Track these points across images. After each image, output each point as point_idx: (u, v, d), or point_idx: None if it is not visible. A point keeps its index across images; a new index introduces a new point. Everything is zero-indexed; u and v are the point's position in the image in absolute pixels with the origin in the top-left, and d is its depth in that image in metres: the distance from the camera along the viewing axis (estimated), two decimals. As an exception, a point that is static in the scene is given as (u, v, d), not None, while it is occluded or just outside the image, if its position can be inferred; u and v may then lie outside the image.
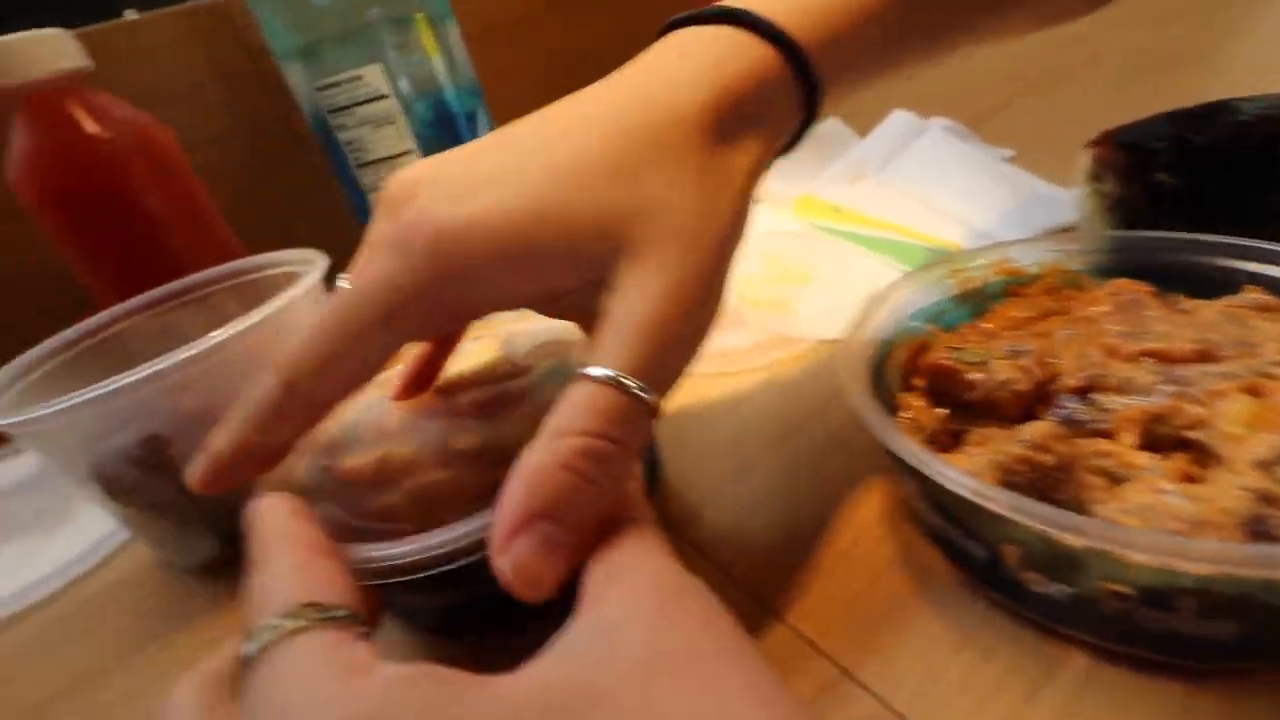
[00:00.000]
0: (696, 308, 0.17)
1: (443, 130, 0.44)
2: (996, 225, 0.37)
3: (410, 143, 0.43)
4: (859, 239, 0.40)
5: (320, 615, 0.15)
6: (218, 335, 0.28)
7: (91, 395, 0.26)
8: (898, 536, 0.23)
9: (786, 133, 0.21)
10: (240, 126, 0.56)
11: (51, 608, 0.32)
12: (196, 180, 0.45)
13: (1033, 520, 0.15)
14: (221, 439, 0.19)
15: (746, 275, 0.38)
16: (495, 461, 0.20)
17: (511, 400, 0.23)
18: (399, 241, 0.17)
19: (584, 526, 0.15)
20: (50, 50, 0.39)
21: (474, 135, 0.46)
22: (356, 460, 0.22)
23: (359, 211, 0.47)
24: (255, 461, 0.19)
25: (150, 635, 0.29)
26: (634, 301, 0.16)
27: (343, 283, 0.19)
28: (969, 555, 0.19)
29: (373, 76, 0.41)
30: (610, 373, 0.16)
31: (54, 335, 0.35)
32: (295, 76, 0.43)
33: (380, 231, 0.18)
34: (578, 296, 0.18)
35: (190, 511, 0.30)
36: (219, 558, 0.32)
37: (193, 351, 0.27)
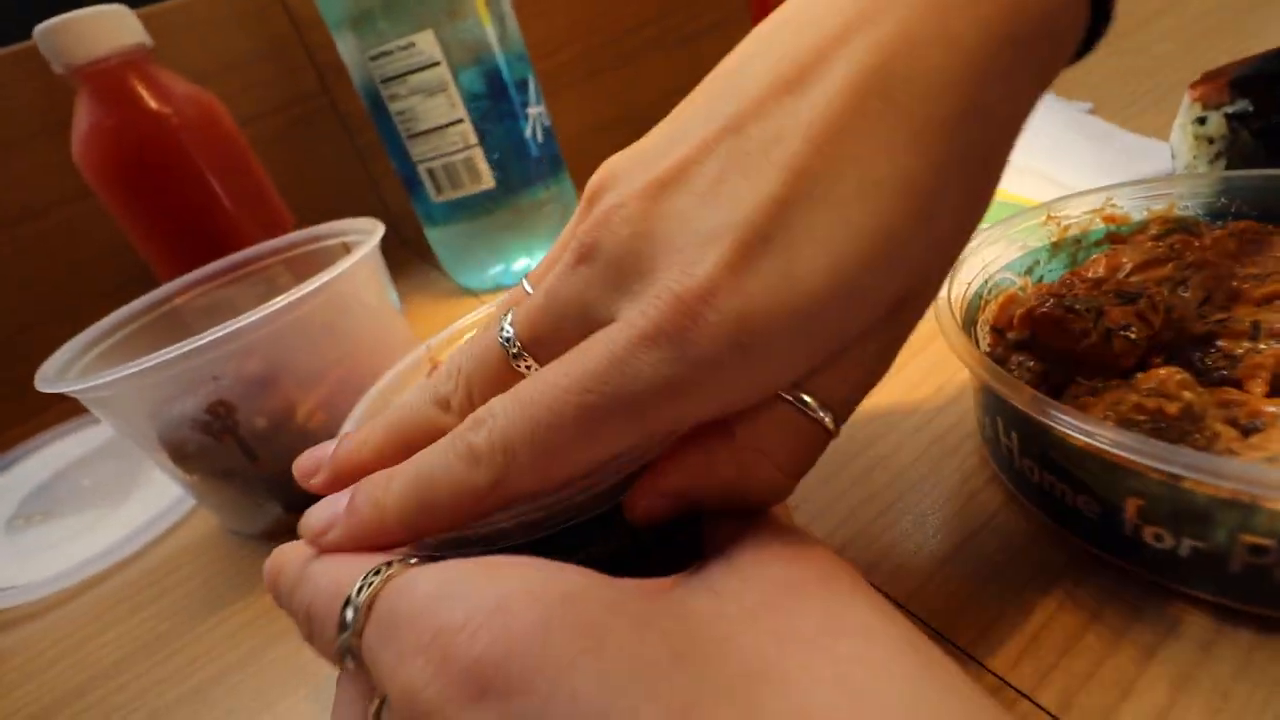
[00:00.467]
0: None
1: (494, 98, 0.43)
2: (1088, 180, 0.35)
3: (462, 111, 0.42)
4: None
5: (405, 557, 0.15)
6: (281, 300, 0.28)
7: (157, 360, 0.26)
8: (986, 499, 0.22)
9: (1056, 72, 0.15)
10: (286, 102, 0.57)
11: (122, 574, 0.33)
12: (251, 155, 0.46)
13: (1174, 467, 0.14)
14: (372, 502, 0.16)
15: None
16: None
17: None
18: (666, 317, 0.13)
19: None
20: (113, 27, 0.39)
21: (525, 104, 0.45)
22: None
23: (409, 184, 0.47)
24: (395, 538, 0.16)
25: (218, 601, 0.29)
26: (873, 348, 0.15)
27: (528, 286, 0.17)
28: (1078, 512, 0.18)
29: (425, 43, 0.40)
30: (826, 417, 0.15)
31: (116, 310, 0.36)
32: (347, 46, 0.42)
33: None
34: None
35: (255, 479, 0.30)
36: (283, 524, 0.32)
37: (255, 316, 0.27)
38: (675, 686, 0.11)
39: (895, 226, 0.13)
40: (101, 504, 0.38)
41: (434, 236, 0.49)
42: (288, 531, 0.31)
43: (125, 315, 0.36)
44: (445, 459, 0.15)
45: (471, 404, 0.17)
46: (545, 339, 0.16)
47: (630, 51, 0.68)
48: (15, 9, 0.46)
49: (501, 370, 0.17)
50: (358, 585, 0.14)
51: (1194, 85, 0.29)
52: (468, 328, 0.27)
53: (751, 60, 0.15)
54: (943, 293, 0.21)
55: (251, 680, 0.25)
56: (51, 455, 0.43)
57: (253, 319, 0.27)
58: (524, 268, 0.49)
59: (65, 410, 0.46)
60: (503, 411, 0.15)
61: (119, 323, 0.36)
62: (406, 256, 0.59)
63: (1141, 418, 0.17)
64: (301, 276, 0.42)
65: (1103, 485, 0.17)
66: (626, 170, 0.15)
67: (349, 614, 0.14)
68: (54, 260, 0.49)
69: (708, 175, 0.14)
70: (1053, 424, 0.16)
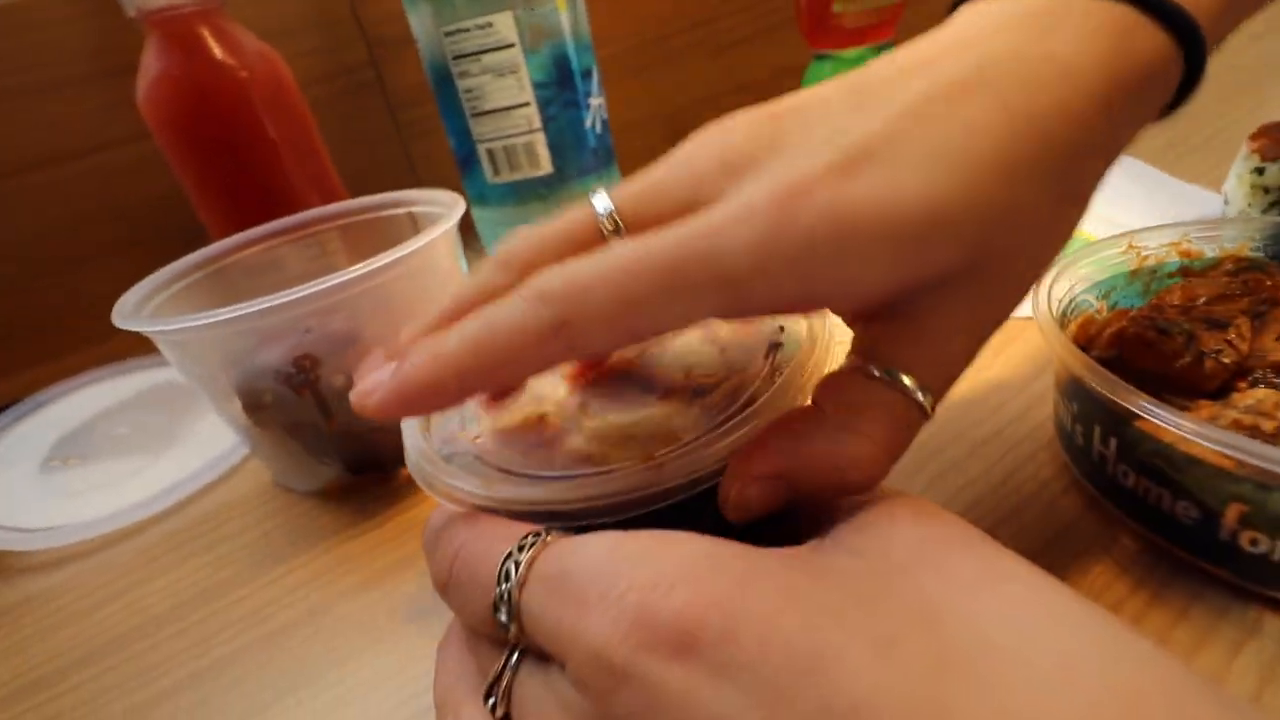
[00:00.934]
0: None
1: (561, 85, 0.44)
2: (1139, 221, 0.36)
3: (529, 95, 0.43)
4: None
5: (549, 531, 0.15)
6: (378, 260, 0.28)
7: (259, 307, 0.26)
8: (1062, 506, 0.23)
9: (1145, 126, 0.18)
10: (332, 72, 0.57)
11: (169, 521, 0.33)
12: (310, 119, 0.46)
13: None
14: (430, 353, 0.15)
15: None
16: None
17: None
18: (773, 197, 0.14)
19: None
20: (188, -25, 0.39)
21: (588, 94, 0.46)
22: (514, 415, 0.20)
23: (465, 162, 0.47)
24: (447, 394, 0.15)
25: (278, 555, 0.29)
26: (961, 320, 0.15)
27: (600, 199, 0.16)
28: (1172, 517, 0.19)
29: (503, 24, 0.41)
30: (922, 398, 0.15)
31: (173, 260, 0.36)
32: (421, 20, 0.43)
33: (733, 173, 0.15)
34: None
35: (324, 435, 0.30)
36: (339, 483, 0.32)
37: (355, 273, 0.27)
38: (870, 624, 0.12)
39: (983, 184, 0.14)
40: (142, 452, 0.37)
41: (482, 217, 0.50)
42: (342, 490, 0.32)
43: (187, 265, 0.36)
44: (511, 301, 0.14)
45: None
46: (646, 215, 0.15)
47: (676, 52, 0.69)
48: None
49: (589, 243, 0.15)
50: (518, 543, 0.14)
51: (1254, 137, 0.31)
52: None
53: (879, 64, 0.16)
54: (1041, 302, 0.22)
55: (320, 636, 0.25)
56: (87, 399, 0.42)
57: (351, 275, 0.27)
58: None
59: (91, 355, 0.45)
60: (582, 263, 0.14)
61: (181, 272, 0.36)
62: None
63: (1240, 433, 0.18)
64: (354, 244, 0.42)
65: (1205, 490, 0.18)
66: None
67: (510, 566, 0.14)
68: (100, 202, 0.48)
69: (830, 105, 0.15)
70: (1166, 426, 0.17)
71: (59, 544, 0.32)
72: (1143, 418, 0.19)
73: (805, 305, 0.15)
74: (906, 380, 0.15)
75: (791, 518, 0.16)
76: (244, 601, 0.27)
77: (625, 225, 0.15)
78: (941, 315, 0.15)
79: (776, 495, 0.15)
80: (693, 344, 0.21)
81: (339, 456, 0.31)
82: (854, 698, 0.11)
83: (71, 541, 0.32)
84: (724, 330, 0.21)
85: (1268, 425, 0.18)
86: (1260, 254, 0.25)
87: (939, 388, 0.16)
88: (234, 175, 0.42)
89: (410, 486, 0.32)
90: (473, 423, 0.20)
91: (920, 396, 0.15)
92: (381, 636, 0.24)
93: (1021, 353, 0.30)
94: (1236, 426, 0.18)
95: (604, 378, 0.21)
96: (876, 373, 0.15)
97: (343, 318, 0.29)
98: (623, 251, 0.14)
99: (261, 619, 0.26)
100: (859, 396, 0.15)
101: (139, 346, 0.37)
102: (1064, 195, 0.16)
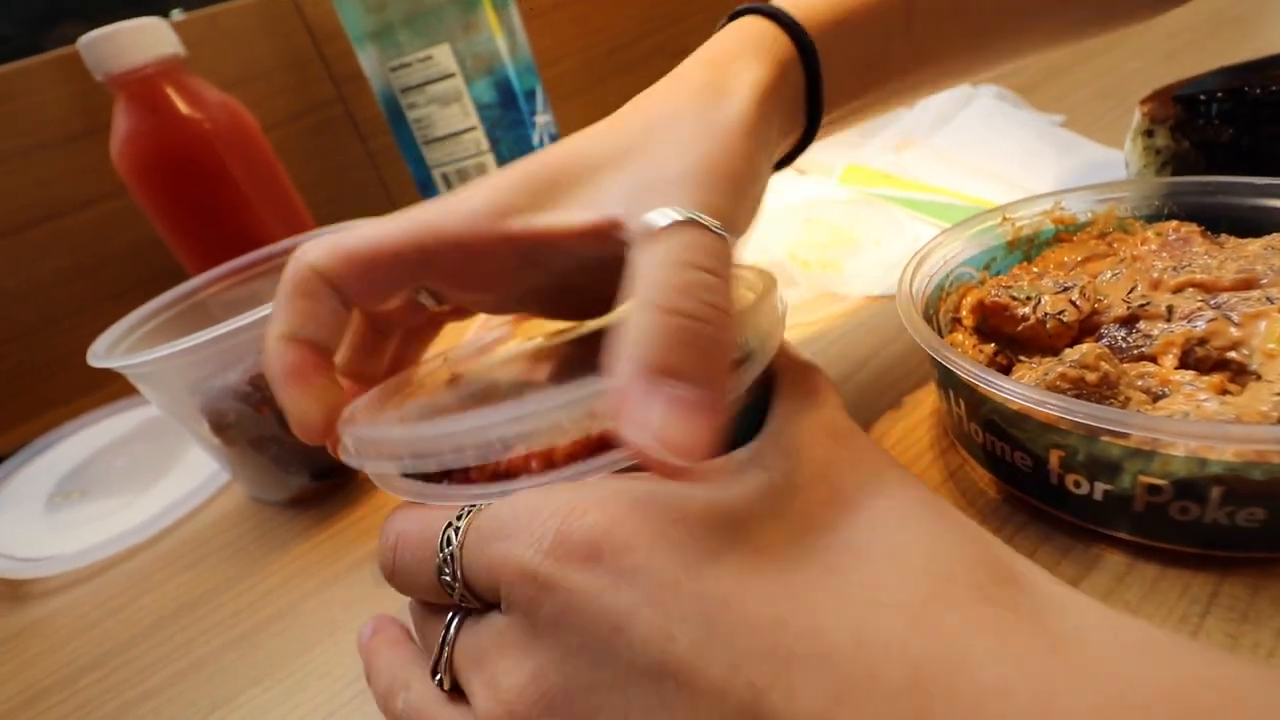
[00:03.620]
0: (739, 159, 0.18)
1: (505, 107, 0.46)
2: (1049, 187, 0.38)
3: (474, 119, 0.45)
4: (908, 203, 0.41)
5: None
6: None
7: (211, 336, 0.29)
8: (946, 462, 0.25)
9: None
10: (304, 110, 0.60)
11: (158, 545, 0.36)
12: (275, 158, 0.49)
13: (1082, 418, 0.17)
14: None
15: (796, 239, 0.40)
16: None
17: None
18: None
19: (713, 379, 0.15)
20: (151, 38, 0.42)
21: (533, 112, 0.48)
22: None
23: (424, 187, 0.50)
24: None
25: (251, 565, 0.32)
26: (676, 158, 0.18)
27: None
28: (1014, 467, 0.21)
29: (442, 56, 0.43)
30: (681, 214, 0.16)
31: (150, 300, 0.39)
32: (369, 59, 0.46)
33: None
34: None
35: (286, 446, 0.33)
36: (307, 491, 0.35)
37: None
38: (750, 537, 0.14)
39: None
40: (135, 484, 0.40)
41: (445, 236, 0.52)
42: (310, 498, 0.35)
43: (161, 304, 0.39)
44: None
45: None
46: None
47: (632, 60, 0.72)
48: (40, 14, 0.49)
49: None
50: (457, 514, 0.17)
51: (1144, 101, 0.32)
52: (491, 344, 0.29)
53: None
54: (905, 286, 0.24)
55: (289, 629, 0.28)
56: (88, 438, 0.45)
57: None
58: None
59: (96, 398, 0.49)
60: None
61: (155, 310, 0.39)
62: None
63: (1065, 385, 0.20)
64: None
65: (1033, 440, 0.19)
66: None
67: (450, 533, 0.16)
68: (86, 254, 0.52)
69: None
70: (989, 388, 0.19)
71: (60, 570, 0.35)
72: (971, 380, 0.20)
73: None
74: (704, 219, 0.16)
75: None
76: (223, 608, 0.30)
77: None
78: (670, 164, 0.18)
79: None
80: None
81: (302, 465, 0.34)
82: (724, 590, 0.13)
83: (72, 568, 0.35)
84: None
85: (1091, 376, 0.20)
86: (1130, 215, 0.27)
87: (726, 218, 0.17)
88: (204, 218, 0.45)
89: (369, 485, 0.35)
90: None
91: (705, 220, 0.16)
92: (342, 627, 0.27)
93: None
94: (1062, 379, 0.20)
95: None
96: (664, 220, 0.16)
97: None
98: None
99: (238, 621, 0.29)
100: (651, 257, 0.16)
101: (132, 388, 0.40)
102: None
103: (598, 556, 0.14)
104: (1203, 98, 0.30)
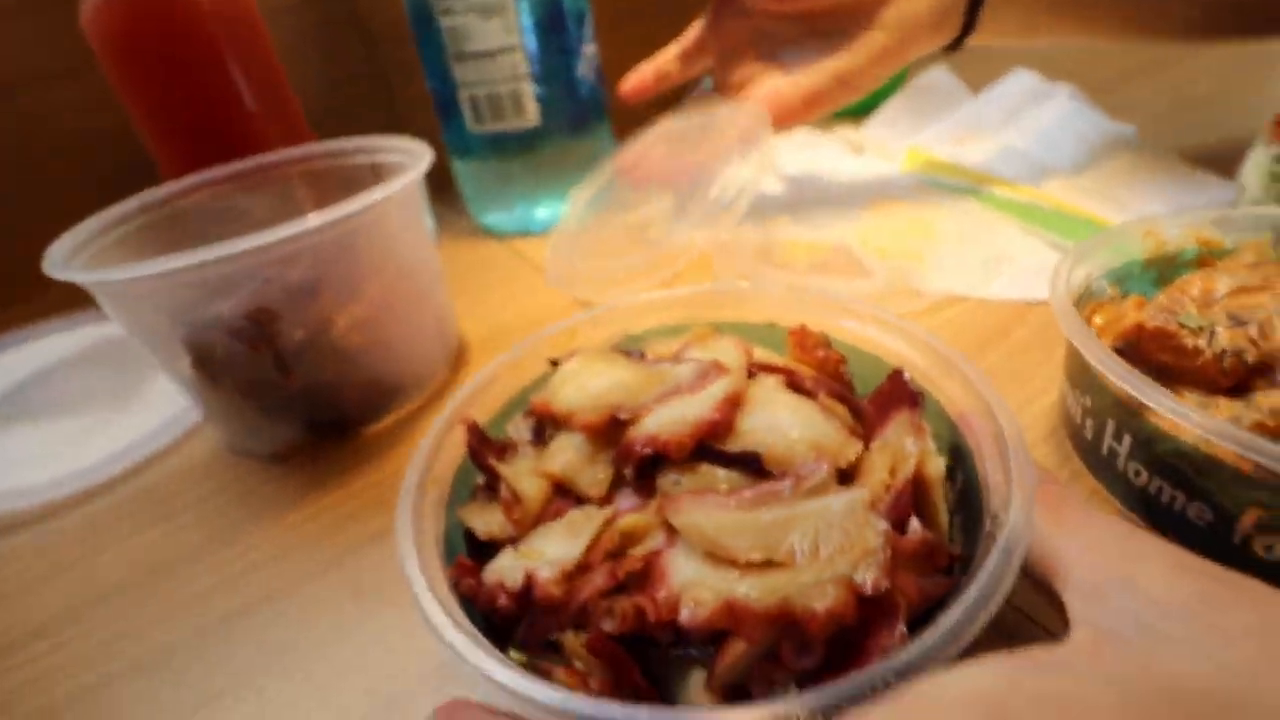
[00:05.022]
0: None
1: (551, 29, 0.41)
2: (1148, 205, 0.35)
3: (516, 37, 0.40)
4: (989, 199, 0.38)
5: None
6: (340, 210, 0.26)
7: (206, 258, 0.24)
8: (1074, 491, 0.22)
9: None
10: (309, 2, 0.52)
11: (118, 491, 0.30)
12: (273, 50, 0.42)
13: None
14: None
15: (867, 225, 0.36)
16: None
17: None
18: None
19: None
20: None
21: (580, 40, 0.43)
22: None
23: (444, 109, 0.44)
24: None
25: (232, 530, 0.27)
26: None
27: None
28: (1183, 518, 0.18)
29: (490, -42, 0.37)
30: None
31: (118, 202, 0.33)
32: (399, -52, 0.39)
33: None
34: None
35: (283, 393, 0.28)
36: (295, 446, 0.30)
37: (314, 223, 0.25)
38: None
39: None
40: (90, 413, 0.35)
41: (462, 170, 0.47)
42: (299, 454, 0.30)
43: (131, 209, 0.33)
44: None
45: None
46: None
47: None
48: None
49: None
50: None
51: (1274, 122, 0.30)
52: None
53: None
54: (1059, 285, 0.21)
55: (284, 617, 0.23)
56: (23, 357, 0.39)
57: (310, 225, 0.25)
58: (550, 215, 0.47)
59: (33, 309, 0.42)
60: None
61: (124, 216, 0.33)
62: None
63: (1263, 436, 0.17)
64: (321, 192, 0.40)
65: (1223, 494, 0.17)
66: None
67: None
68: (37, 139, 0.44)
69: None
70: (1188, 426, 0.16)
71: (-3, 509, 0.30)
72: (1159, 414, 0.18)
73: None
74: None
75: None
76: (197, 580, 0.25)
77: None
78: None
79: None
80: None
81: (296, 416, 0.29)
82: None
83: (12, 509, 0.30)
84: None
85: (1291, 429, 0.17)
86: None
87: None
88: (188, 107, 0.38)
89: (373, 447, 0.30)
90: None
91: None
92: (346, 624, 0.23)
93: (1026, 339, 0.29)
94: (1259, 429, 0.17)
95: None
96: None
97: (301, 269, 0.26)
98: None
99: (215, 602, 0.24)
100: None
101: (83, 299, 0.34)
102: None
103: None
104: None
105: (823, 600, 0.13)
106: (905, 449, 0.17)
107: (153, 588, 0.25)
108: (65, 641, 0.24)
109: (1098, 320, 0.24)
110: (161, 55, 0.36)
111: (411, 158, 0.33)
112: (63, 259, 0.27)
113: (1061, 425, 0.24)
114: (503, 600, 0.17)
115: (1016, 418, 0.17)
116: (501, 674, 0.13)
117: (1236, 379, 0.20)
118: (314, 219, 0.25)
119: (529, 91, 0.42)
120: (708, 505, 0.16)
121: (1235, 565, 0.18)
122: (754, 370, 0.21)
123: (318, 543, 0.26)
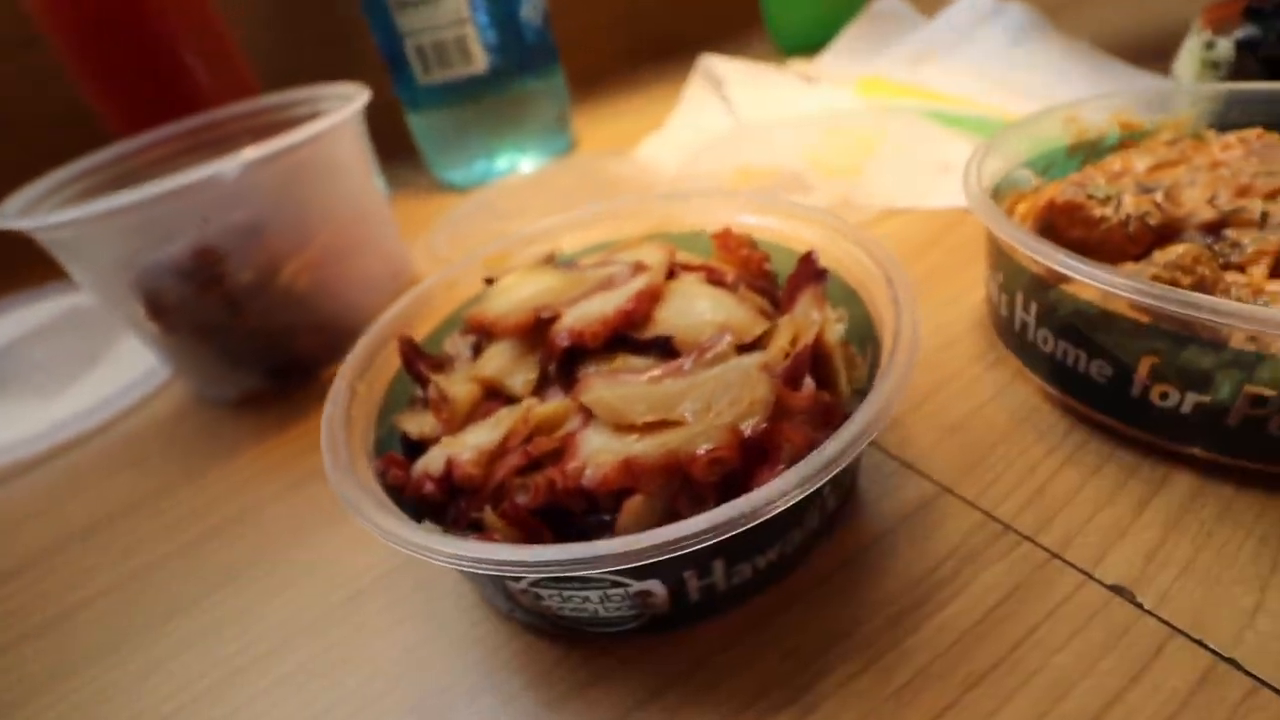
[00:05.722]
0: None
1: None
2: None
3: (458, -16, 0.40)
4: (938, 116, 0.38)
5: None
6: (270, 145, 0.26)
7: (144, 196, 0.24)
8: (997, 373, 0.23)
9: None
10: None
11: (91, 443, 0.31)
12: (218, 12, 0.42)
13: (1208, 314, 0.15)
14: None
15: (816, 146, 0.37)
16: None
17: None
18: None
19: None
20: None
21: (527, -10, 0.42)
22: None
23: (393, 62, 0.44)
24: None
25: (199, 467, 0.28)
26: None
27: None
28: (1087, 378, 0.19)
29: (422, -103, 0.37)
30: None
31: (65, 165, 0.33)
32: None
33: None
34: None
35: (238, 337, 0.29)
36: (260, 391, 0.31)
37: (247, 158, 0.25)
38: None
39: None
40: (59, 378, 0.35)
41: (417, 124, 0.47)
42: (265, 399, 0.31)
43: (83, 169, 0.34)
44: None
45: None
46: None
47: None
48: None
49: None
50: None
51: (1206, 10, 0.30)
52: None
53: None
54: (970, 174, 0.22)
55: (249, 535, 0.24)
56: (-3, 325, 0.40)
57: (242, 160, 0.25)
58: (508, 165, 0.48)
59: (3, 283, 0.43)
60: None
61: (77, 175, 0.33)
62: (384, 150, 0.56)
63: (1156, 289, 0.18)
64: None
65: (1120, 347, 0.18)
66: None
67: None
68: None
69: None
70: (1085, 280, 0.17)
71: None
72: (1064, 280, 0.18)
73: None
74: None
75: None
76: (165, 514, 0.26)
77: None
78: None
79: None
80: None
81: (255, 359, 0.30)
82: None
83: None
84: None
85: (1185, 280, 0.18)
86: (1199, 124, 0.25)
87: None
88: (134, 71, 0.38)
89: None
90: None
91: None
92: (305, 530, 0.24)
93: (961, 241, 0.30)
94: (1155, 281, 0.18)
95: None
96: None
97: (243, 209, 0.27)
98: None
99: (185, 527, 0.25)
100: None
101: (53, 273, 0.34)
102: None
103: None
104: (1274, 9, 0.28)
105: (706, 445, 0.14)
106: (809, 320, 0.18)
107: (124, 524, 0.26)
108: (39, 578, 0.25)
109: (1021, 209, 0.24)
110: (102, 16, 0.36)
111: (347, 101, 0.33)
112: (15, 212, 0.28)
113: (988, 316, 0.25)
114: (429, 487, 0.18)
115: (910, 281, 0.17)
116: (415, 535, 0.14)
117: (1144, 246, 0.21)
118: (247, 153, 0.25)
119: (474, 35, 0.41)
120: (615, 383, 0.17)
121: (1137, 418, 0.19)
122: (676, 270, 0.21)
123: (280, 471, 0.27)
